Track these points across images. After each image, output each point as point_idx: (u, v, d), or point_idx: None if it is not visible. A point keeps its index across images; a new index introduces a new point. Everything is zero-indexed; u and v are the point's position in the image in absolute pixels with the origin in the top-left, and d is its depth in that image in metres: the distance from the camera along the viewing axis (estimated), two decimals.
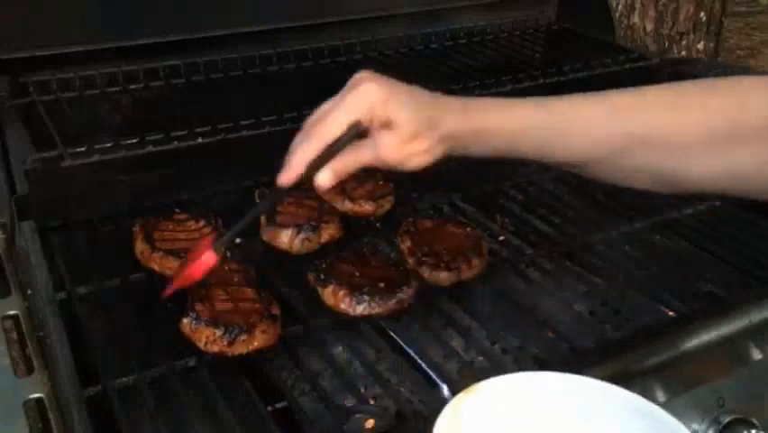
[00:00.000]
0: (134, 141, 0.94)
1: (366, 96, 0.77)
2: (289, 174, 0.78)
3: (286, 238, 1.03)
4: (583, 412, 0.63)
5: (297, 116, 1.01)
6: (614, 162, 0.81)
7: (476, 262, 0.99)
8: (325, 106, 0.80)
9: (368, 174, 1.18)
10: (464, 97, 0.85)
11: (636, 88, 0.81)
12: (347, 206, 1.12)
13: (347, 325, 0.92)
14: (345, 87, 0.79)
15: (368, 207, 1.12)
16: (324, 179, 0.78)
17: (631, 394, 0.63)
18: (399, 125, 0.77)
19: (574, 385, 0.64)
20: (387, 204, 1.14)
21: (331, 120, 0.77)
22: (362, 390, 0.86)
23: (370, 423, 0.81)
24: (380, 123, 0.77)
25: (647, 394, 0.79)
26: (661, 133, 0.78)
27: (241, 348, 0.83)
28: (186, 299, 0.88)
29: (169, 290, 0.86)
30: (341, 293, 0.91)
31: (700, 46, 1.99)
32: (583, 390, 0.64)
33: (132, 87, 1.08)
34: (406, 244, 1.02)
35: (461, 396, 0.62)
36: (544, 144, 0.82)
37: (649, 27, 1.88)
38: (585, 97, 0.82)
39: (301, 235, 1.02)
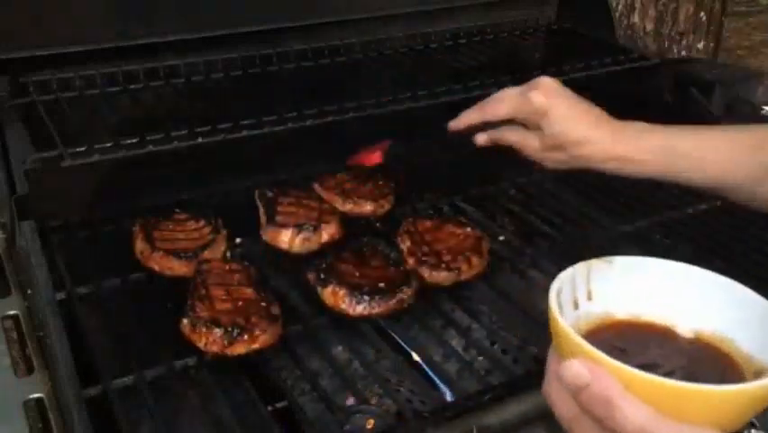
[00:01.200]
0: (134, 141, 0.93)
1: (529, 103, 0.95)
2: (456, 124, 1.03)
3: (286, 238, 1.03)
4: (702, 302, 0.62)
5: (297, 116, 1.01)
6: (750, 191, 0.89)
7: (476, 262, 0.99)
8: (502, 92, 0.99)
9: (368, 174, 1.18)
10: (624, 122, 0.95)
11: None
12: (347, 206, 1.12)
13: (347, 325, 0.92)
14: (526, 84, 0.97)
15: (368, 207, 1.12)
16: (480, 139, 1.03)
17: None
18: (546, 136, 0.95)
19: (701, 277, 0.63)
20: (387, 204, 1.14)
21: (497, 107, 0.99)
22: (362, 390, 0.86)
23: (370, 423, 0.81)
24: (534, 125, 0.96)
25: None
26: None
27: (241, 348, 0.83)
28: (186, 299, 0.88)
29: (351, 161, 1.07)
30: (341, 293, 0.91)
31: (700, 46, 1.99)
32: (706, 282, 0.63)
33: (132, 87, 1.08)
34: (406, 244, 1.02)
35: (593, 261, 0.63)
36: (686, 178, 0.92)
37: (649, 27, 1.88)
38: (722, 132, 0.93)
39: (301, 235, 1.02)
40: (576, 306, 0.60)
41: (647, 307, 0.61)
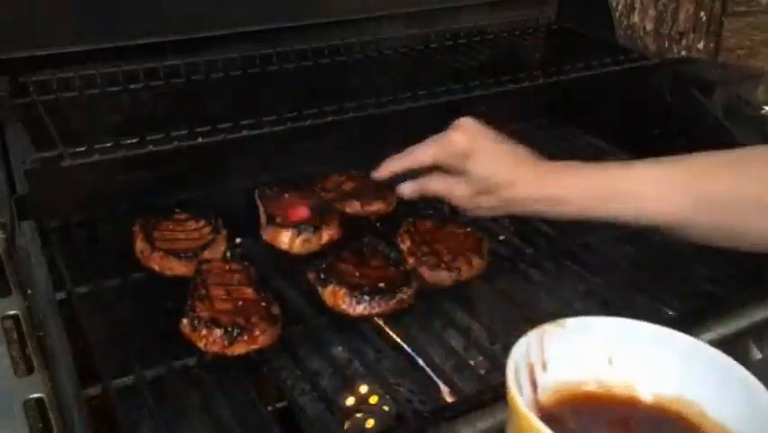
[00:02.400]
0: (134, 141, 0.93)
1: (452, 145, 0.92)
2: (379, 173, 1.01)
3: (286, 238, 1.03)
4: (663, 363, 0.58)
5: (296, 116, 1.01)
6: (686, 225, 0.85)
7: (476, 262, 0.99)
8: (428, 140, 0.95)
9: (365, 174, 1.18)
10: (549, 162, 0.91)
11: (702, 154, 0.86)
12: (354, 207, 1.11)
13: (347, 325, 0.92)
14: (448, 127, 0.94)
15: (376, 206, 1.12)
16: (405, 190, 0.99)
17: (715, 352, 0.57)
18: (472, 180, 0.91)
19: (661, 337, 0.59)
20: (392, 202, 1.14)
21: (420, 152, 0.96)
22: (362, 390, 0.86)
23: (370, 423, 0.81)
24: (459, 170, 0.92)
25: None
26: (726, 196, 0.82)
27: (241, 348, 0.83)
28: (186, 299, 0.88)
29: None
30: (341, 293, 0.91)
31: (700, 46, 1.99)
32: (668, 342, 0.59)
33: (132, 87, 1.08)
34: (406, 244, 1.02)
35: (545, 326, 0.60)
36: (616, 215, 0.87)
37: (649, 27, 1.88)
38: (656, 165, 0.86)
39: (301, 236, 1.02)
40: (533, 379, 0.57)
41: (605, 372, 0.58)
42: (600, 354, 0.59)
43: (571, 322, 0.59)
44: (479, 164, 0.91)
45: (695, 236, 0.86)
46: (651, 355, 0.58)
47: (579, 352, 0.59)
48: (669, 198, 0.84)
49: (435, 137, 0.95)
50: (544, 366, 0.58)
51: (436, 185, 0.96)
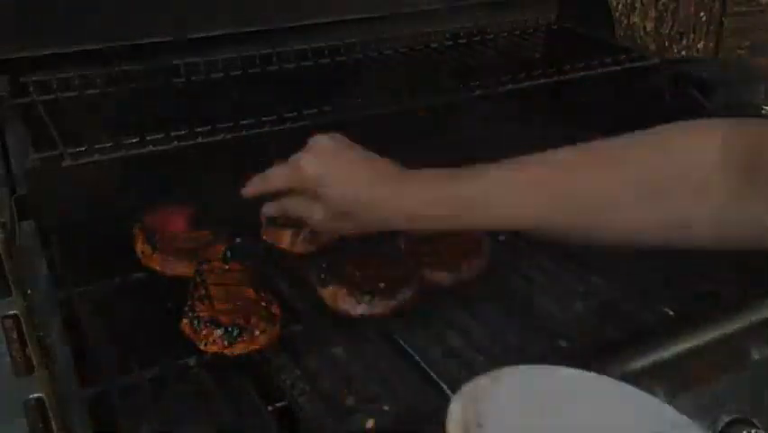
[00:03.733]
0: (134, 141, 0.93)
1: (302, 169, 0.86)
2: (245, 191, 0.96)
3: (287, 238, 1.03)
4: (599, 412, 0.58)
5: (296, 116, 1.01)
6: (541, 227, 0.82)
7: (476, 262, 0.99)
8: (284, 163, 0.90)
9: None
10: (409, 174, 0.84)
11: (553, 152, 0.82)
12: None
13: (347, 325, 0.92)
14: (303, 149, 0.88)
15: None
16: (268, 211, 0.97)
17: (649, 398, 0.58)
18: (327, 205, 0.85)
19: (593, 384, 0.59)
20: None
21: (273, 177, 0.92)
22: (362, 390, 0.86)
23: (370, 423, 0.80)
24: (313, 194, 0.86)
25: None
26: (585, 194, 0.79)
27: (241, 348, 0.83)
28: (186, 299, 0.88)
29: None
30: (341, 293, 0.91)
31: (700, 46, 1.99)
32: (601, 389, 0.59)
33: (133, 87, 1.08)
34: (406, 245, 1.02)
35: (479, 379, 0.59)
36: (470, 225, 0.85)
37: (649, 27, 1.88)
38: (513, 167, 0.81)
39: (302, 236, 1.02)
40: None
41: (542, 426, 0.57)
42: (536, 406, 0.58)
43: (506, 374, 0.59)
44: (331, 188, 0.84)
45: (556, 237, 0.83)
46: (588, 405, 0.58)
47: (514, 405, 0.58)
48: (518, 203, 0.80)
49: (290, 159, 0.88)
50: (479, 423, 0.57)
51: (295, 207, 0.90)
